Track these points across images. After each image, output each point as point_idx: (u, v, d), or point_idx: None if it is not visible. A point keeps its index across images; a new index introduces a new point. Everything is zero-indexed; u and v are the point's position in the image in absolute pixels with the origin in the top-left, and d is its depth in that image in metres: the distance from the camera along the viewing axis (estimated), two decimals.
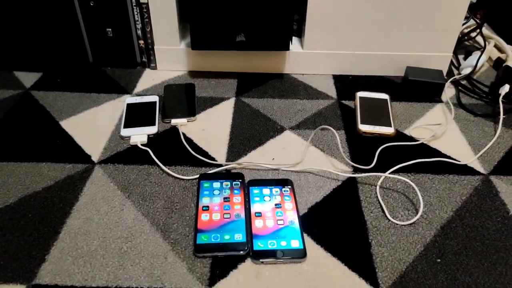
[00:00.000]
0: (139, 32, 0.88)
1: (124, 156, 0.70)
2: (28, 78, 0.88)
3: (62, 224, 0.59)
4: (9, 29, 0.86)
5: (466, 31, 1.02)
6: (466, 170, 0.68)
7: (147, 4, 0.83)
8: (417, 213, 0.61)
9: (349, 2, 0.82)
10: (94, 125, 0.76)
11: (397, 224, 0.60)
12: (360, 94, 0.83)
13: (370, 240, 0.58)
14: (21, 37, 0.87)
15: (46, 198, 0.62)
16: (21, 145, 0.72)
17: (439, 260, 0.55)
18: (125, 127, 0.75)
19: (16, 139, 0.73)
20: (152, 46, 0.89)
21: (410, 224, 0.60)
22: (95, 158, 0.70)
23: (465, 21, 1.01)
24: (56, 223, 0.59)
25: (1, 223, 0.59)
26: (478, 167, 0.69)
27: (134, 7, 0.84)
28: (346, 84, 0.88)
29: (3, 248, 0.55)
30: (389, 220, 0.60)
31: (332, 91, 0.86)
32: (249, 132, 0.75)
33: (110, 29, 0.87)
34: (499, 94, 0.80)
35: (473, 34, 1.01)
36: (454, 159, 0.70)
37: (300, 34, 0.93)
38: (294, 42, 0.91)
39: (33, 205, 0.61)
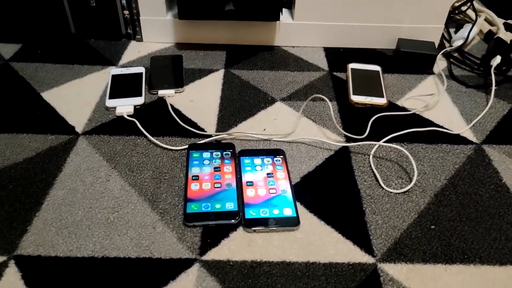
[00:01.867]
0: (123, 2, 0.84)
1: (109, 127, 0.67)
2: (7, 50, 0.84)
3: (45, 195, 0.56)
4: None
5: (457, 4, 1.01)
6: (459, 139, 0.68)
7: None
8: (410, 181, 0.60)
9: None
10: (77, 96, 0.73)
11: (391, 192, 0.59)
12: (352, 65, 0.81)
13: (364, 208, 0.57)
14: None
15: (28, 169, 0.59)
16: (0, 116, 0.68)
17: (433, 226, 0.55)
18: (110, 98, 0.72)
19: None
20: (137, 16, 0.85)
21: (404, 192, 0.59)
22: (79, 129, 0.67)
23: None
24: (39, 194, 0.56)
25: None
26: (470, 136, 0.68)
27: None
28: (337, 57, 0.87)
29: None
30: (383, 188, 0.59)
31: (323, 63, 0.85)
32: (239, 103, 0.73)
33: None
34: (491, 66, 0.80)
35: (463, 8, 1.00)
36: (447, 129, 0.69)
37: (290, 5, 0.90)
38: (285, 13, 0.89)
39: (14, 176, 0.58)
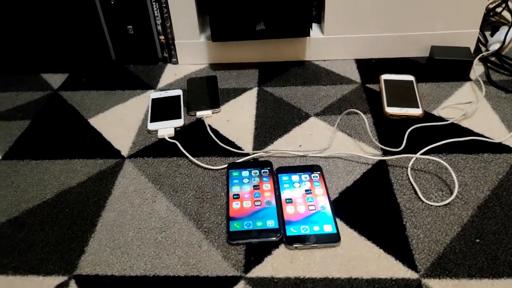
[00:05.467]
0: (159, 27, 0.88)
1: (152, 149, 0.71)
2: (55, 80, 0.90)
3: (98, 217, 0.60)
4: (33, 33, 0.88)
5: (491, 6, 0.98)
6: (500, 148, 0.66)
7: None
8: (451, 193, 0.60)
9: None
10: (121, 121, 0.78)
11: (431, 205, 0.59)
12: (385, 76, 0.81)
13: (404, 223, 0.57)
14: (45, 40, 0.89)
15: (81, 193, 0.64)
16: (54, 143, 0.74)
17: (478, 240, 0.54)
18: (151, 121, 0.76)
19: (48, 138, 0.75)
20: (172, 41, 0.90)
21: (445, 205, 0.58)
22: (124, 152, 0.71)
23: None
24: (92, 216, 0.60)
25: (40, 218, 0.60)
26: None
27: (154, 3, 0.85)
28: (369, 68, 0.87)
29: (43, 242, 0.57)
30: (423, 201, 0.59)
31: (355, 76, 0.85)
32: (274, 121, 0.75)
33: (131, 27, 0.88)
34: None
35: (498, 10, 0.98)
36: (488, 138, 0.68)
37: (319, 20, 0.91)
38: (314, 28, 0.90)
39: (69, 200, 0.63)
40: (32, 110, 0.82)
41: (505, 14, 0.99)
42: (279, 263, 0.53)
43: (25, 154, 0.71)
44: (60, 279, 0.53)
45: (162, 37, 0.90)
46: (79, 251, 0.56)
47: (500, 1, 0.96)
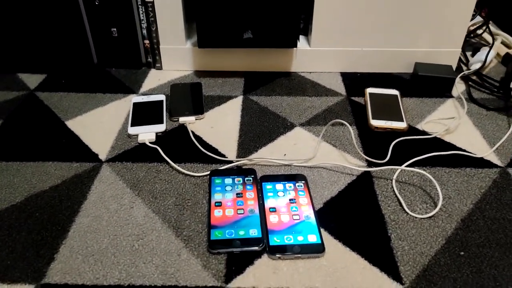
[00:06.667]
0: (144, 31, 0.87)
1: (132, 154, 0.68)
2: (32, 80, 0.87)
3: (71, 223, 0.57)
4: (12, 31, 0.85)
5: (472, 28, 1.01)
6: (482, 163, 0.67)
7: (152, 3, 0.82)
8: (436, 206, 0.59)
9: None
10: (100, 124, 0.75)
11: (416, 217, 0.58)
12: (370, 90, 0.82)
13: (389, 234, 0.56)
14: (24, 39, 0.86)
15: (54, 197, 0.60)
16: (27, 145, 0.70)
17: (462, 253, 0.53)
18: (132, 125, 0.73)
19: (21, 139, 0.71)
20: (157, 45, 0.88)
21: (430, 217, 0.58)
22: (102, 156, 0.68)
23: (471, 19, 1.00)
24: (65, 221, 0.57)
25: (7, 222, 0.57)
26: (495, 160, 0.68)
27: (140, 6, 0.83)
28: (355, 81, 0.87)
29: (10, 248, 0.53)
30: (408, 213, 0.58)
31: (340, 88, 0.85)
32: (258, 129, 0.74)
33: (115, 29, 0.86)
34: (511, 88, 0.79)
35: (479, 32, 1.01)
36: (470, 152, 0.69)
37: (306, 32, 0.92)
38: (301, 40, 0.91)
39: (40, 204, 0.59)
40: (5, 109, 0.78)
41: (486, 36, 1.02)
42: (261, 273, 0.51)
43: None
44: (26, 287, 0.49)
45: (147, 41, 0.88)
46: (48, 258, 0.52)
47: (481, 23, 0.99)
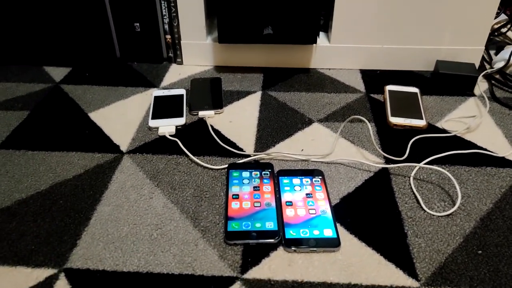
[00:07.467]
0: (166, 27, 0.88)
1: (152, 146, 0.70)
2: (57, 73, 0.90)
3: (93, 211, 0.59)
4: (38, 25, 0.88)
5: (496, 26, 0.99)
6: (504, 162, 0.66)
7: None
8: (454, 204, 0.59)
9: None
10: (122, 116, 0.77)
11: (433, 215, 0.58)
12: (389, 87, 0.81)
13: (405, 231, 0.56)
14: (50, 33, 0.89)
15: (77, 186, 0.62)
16: (51, 135, 0.72)
17: (480, 251, 0.53)
18: (153, 118, 0.75)
19: (47, 130, 0.73)
20: (178, 40, 0.89)
21: (448, 215, 0.57)
22: (123, 148, 0.70)
23: (495, 17, 0.98)
24: (87, 209, 0.59)
25: (32, 209, 0.59)
26: None
27: (162, 2, 0.85)
28: (374, 79, 0.87)
29: (34, 233, 0.55)
30: (425, 211, 0.58)
31: (360, 85, 0.85)
32: (276, 124, 0.75)
33: (138, 24, 0.88)
34: None
35: (503, 30, 0.99)
36: (491, 152, 0.68)
37: (326, 29, 0.92)
38: (321, 36, 0.91)
39: (64, 192, 0.61)
40: (32, 101, 0.81)
41: (510, 34, 0.99)
42: (276, 265, 0.52)
43: (22, 145, 0.70)
44: (49, 271, 0.51)
45: (168, 37, 0.90)
46: (71, 244, 0.54)
47: (505, 22, 0.97)
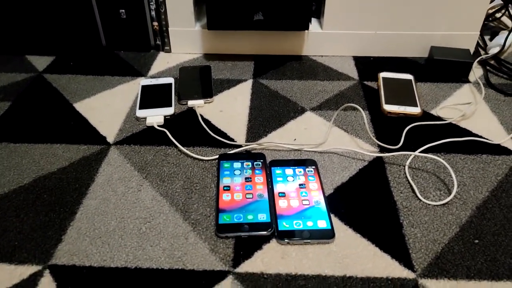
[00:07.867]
0: (153, 13, 0.85)
1: (140, 137, 0.68)
2: (40, 62, 0.86)
3: (79, 205, 0.56)
4: (20, 13, 0.84)
5: (491, 11, 0.98)
6: (499, 149, 0.65)
7: None
8: (450, 193, 0.58)
9: None
10: (108, 107, 0.74)
11: (429, 204, 0.56)
12: (383, 74, 0.79)
13: (401, 221, 0.54)
14: (32, 21, 0.85)
15: (62, 179, 0.60)
16: (35, 127, 0.70)
17: (477, 241, 0.52)
18: (140, 108, 0.72)
19: (29, 121, 0.71)
20: (166, 28, 0.86)
21: (443, 204, 0.56)
22: (110, 139, 0.67)
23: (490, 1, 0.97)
24: (72, 203, 0.57)
25: (15, 203, 0.56)
26: None
27: None
28: (368, 66, 0.85)
29: (17, 229, 0.53)
30: (421, 200, 0.57)
31: (353, 72, 0.83)
32: (268, 113, 0.73)
33: (123, 11, 0.85)
34: None
35: (498, 15, 0.97)
36: (487, 139, 0.67)
37: (319, 15, 0.89)
38: (313, 22, 0.88)
39: (48, 186, 0.59)
40: (14, 91, 0.78)
41: (505, 19, 0.98)
42: (269, 258, 0.50)
43: (3, 137, 0.67)
44: (33, 268, 0.49)
45: (155, 24, 0.87)
46: (55, 239, 0.52)
47: (499, 7, 0.95)
